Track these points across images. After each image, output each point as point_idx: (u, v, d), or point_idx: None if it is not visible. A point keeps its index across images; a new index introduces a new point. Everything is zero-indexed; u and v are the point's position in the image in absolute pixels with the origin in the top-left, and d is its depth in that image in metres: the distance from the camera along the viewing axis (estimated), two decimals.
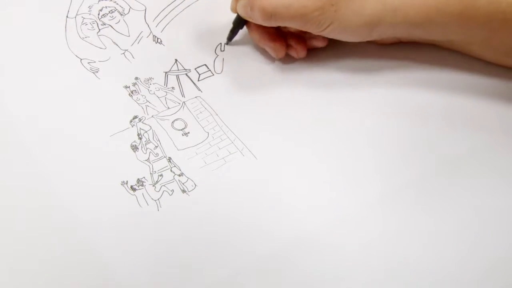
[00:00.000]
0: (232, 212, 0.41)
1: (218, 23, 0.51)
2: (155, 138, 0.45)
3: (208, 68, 0.49)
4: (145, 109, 0.47)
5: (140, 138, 0.45)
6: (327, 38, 0.47)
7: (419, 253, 0.39)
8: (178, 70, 0.49)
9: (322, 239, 0.40)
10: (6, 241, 0.40)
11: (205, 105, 0.47)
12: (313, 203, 0.41)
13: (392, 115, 0.46)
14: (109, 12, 0.53)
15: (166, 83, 0.48)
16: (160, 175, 0.43)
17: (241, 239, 0.40)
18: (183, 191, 0.42)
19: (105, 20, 0.53)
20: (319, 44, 0.48)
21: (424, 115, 0.46)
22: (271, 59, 0.49)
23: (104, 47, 0.51)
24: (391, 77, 0.48)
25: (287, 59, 0.49)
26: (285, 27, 0.48)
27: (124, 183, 0.42)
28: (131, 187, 0.42)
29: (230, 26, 0.50)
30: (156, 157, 0.44)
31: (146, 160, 0.44)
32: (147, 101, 0.47)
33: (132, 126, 0.46)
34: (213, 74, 0.49)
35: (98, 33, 0.52)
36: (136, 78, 0.49)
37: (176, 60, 0.50)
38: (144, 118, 0.46)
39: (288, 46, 0.48)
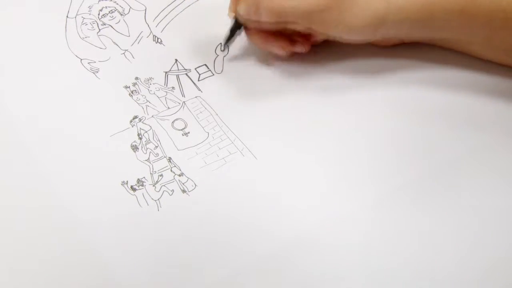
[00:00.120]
0: (232, 212, 0.41)
1: (218, 23, 0.51)
2: (155, 138, 0.45)
3: (208, 68, 0.49)
4: (145, 109, 0.47)
5: (140, 138, 0.45)
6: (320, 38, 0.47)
7: (419, 253, 0.39)
8: (178, 70, 0.49)
9: (322, 239, 0.40)
10: (6, 241, 0.40)
11: (205, 105, 0.47)
12: (313, 203, 0.41)
13: (392, 116, 0.46)
14: (109, 12, 0.53)
15: (166, 83, 0.48)
16: (160, 175, 0.43)
17: (241, 239, 0.40)
18: (183, 191, 0.42)
19: (105, 20, 0.53)
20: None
21: (424, 115, 0.46)
22: (272, 59, 0.49)
23: (104, 47, 0.51)
24: (391, 77, 0.48)
25: (288, 59, 0.49)
26: (285, 29, 0.48)
27: (124, 183, 0.42)
28: (131, 187, 0.42)
29: (227, 33, 0.48)
30: (156, 157, 0.44)
31: (146, 160, 0.44)
32: (147, 101, 0.47)
33: (132, 126, 0.46)
34: (213, 74, 0.49)
35: (98, 33, 0.52)
36: (136, 78, 0.49)
37: (176, 60, 0.50)
38: (144, 118, 0.46)
39: (292, 42, 0.48)
